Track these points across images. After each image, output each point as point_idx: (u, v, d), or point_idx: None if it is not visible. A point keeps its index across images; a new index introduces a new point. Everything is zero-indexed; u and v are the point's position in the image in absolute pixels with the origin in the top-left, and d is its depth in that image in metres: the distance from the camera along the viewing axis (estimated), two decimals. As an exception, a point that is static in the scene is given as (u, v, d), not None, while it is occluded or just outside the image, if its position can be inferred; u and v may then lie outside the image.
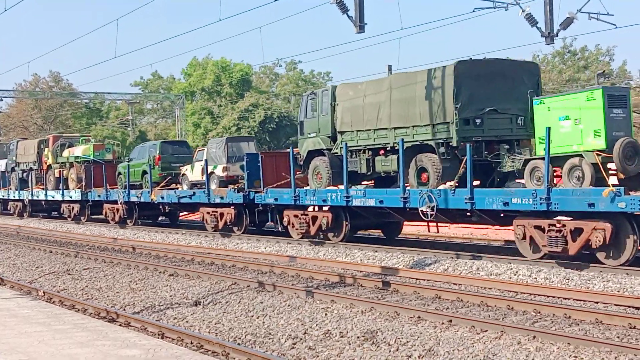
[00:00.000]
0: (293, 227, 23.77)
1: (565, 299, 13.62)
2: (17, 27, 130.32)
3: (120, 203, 32.34)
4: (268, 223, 26.71)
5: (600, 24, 21.16)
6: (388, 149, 21.11)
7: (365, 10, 21.05)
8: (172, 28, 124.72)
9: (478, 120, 18.92)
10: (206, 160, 27.57)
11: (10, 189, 45.27)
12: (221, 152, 27.88)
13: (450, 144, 19.01)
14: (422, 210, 18.93)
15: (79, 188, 36.06)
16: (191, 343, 11.09)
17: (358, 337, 11.15)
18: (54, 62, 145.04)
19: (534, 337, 10.62)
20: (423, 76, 19.70)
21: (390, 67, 44.00)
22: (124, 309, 14.60)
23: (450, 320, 11.87)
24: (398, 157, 19.89)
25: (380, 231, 24.79)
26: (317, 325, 12.18)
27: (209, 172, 27.40)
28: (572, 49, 67.37)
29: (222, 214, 26.95)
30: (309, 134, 23.76)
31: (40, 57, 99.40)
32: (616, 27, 21.20)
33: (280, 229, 25.30)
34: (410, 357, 10.01)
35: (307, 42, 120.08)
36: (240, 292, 15.53)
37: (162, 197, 29.93)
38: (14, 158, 44.60)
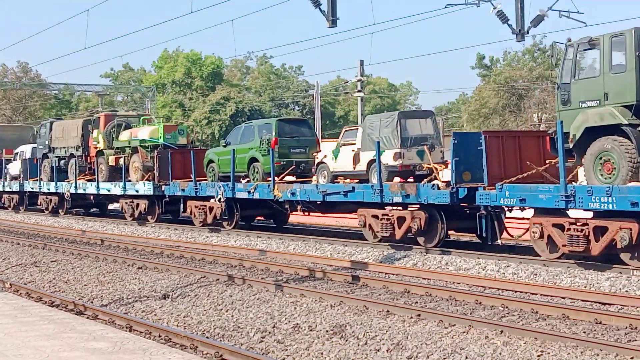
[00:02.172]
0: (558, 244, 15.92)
1: (532, 294, 13.72)
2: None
3: (218, 200, 24.82)
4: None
5: (570, 22, 21.36)
6: None
7: (337, 4, 21.11)
8: (143, 19, 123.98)
9: None
10: (378, 143, 19.53)
11: (42, 179, 37.05)
12: (391, 133, 20.16)
13: None
14: None
15: (149, 179, 28.76)
16: (159, 336, 11.03)
17: (327, 331, 11.16)
18: (22, 52, 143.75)
19: (502, 331, 10.70)
20: None
21: (362, 62, 44.17)
22: (92, 302, 14.49)
23: (419, 315, 11.93)
24: None
25: None
26: (286, 319, 12.17)
27: (368, 160, 20.50)
28: (542, 47, 67.84)
29: (400, 219, 19.10)
30: (583, 102, 15.77)
31: (9, 47, 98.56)
32: (586, 25, 21.39)
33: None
34: (378, 350, 10.04)
35: (279, 35, 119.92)
36: (210, 285, 15.49)
37: (294, 194, 22.25)
38: (47, 142, 36.65)
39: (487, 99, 64.31)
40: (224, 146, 25.69)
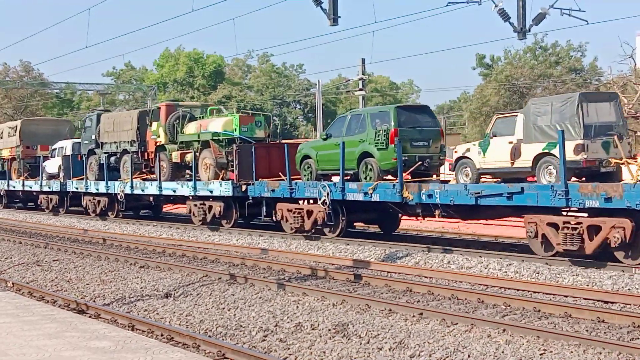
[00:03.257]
0: None
1: (535, 292, 13.72)
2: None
3: (322, 202, 20.75)
4: None
5: (572, 20, 21.36)
6: None
7: (338, 3, 21.11)
8: (144, 18, 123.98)
9: None
10: (562, 132, 15.61)
11: (87, 178, 32.78)
12: (569, 119, 16.24)
13: None
14: None
15: (226, 179, 25.23)
16: (161, 335, 11.04)
17: (329, 330, 11.16)
18: (24, 51, 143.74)
19: (504, 330, 10.69)
20: None
21: (363, 61, 44.09)
22: (94, 301, 14.50)
23: (421, 313, 11.92)
24: None
25: None
26: (288, 317, 12.17)
27: (535, 154, 16.86)
28: (544, 45, 67.83)
29: (593, 229, 15.35)
30: None
31: (10, 46, 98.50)
32: (588, 24, 21.40)
33: None
34: (381, 349, 10.04)
35: (280, 34, 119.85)
36: (212, 284, 15.49)
37: (431, 196, 18.41)
38: (94, 137, 32.70)
39: (488, 97, 64.31)
40: (324, 139, 21.92)
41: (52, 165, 36.67)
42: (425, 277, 15.77)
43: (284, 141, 28.20)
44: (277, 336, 11.04)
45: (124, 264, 19.04)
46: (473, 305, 12.75)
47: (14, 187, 40.27)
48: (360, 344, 10.36)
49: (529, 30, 21.11)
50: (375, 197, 19.61)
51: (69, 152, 35.69)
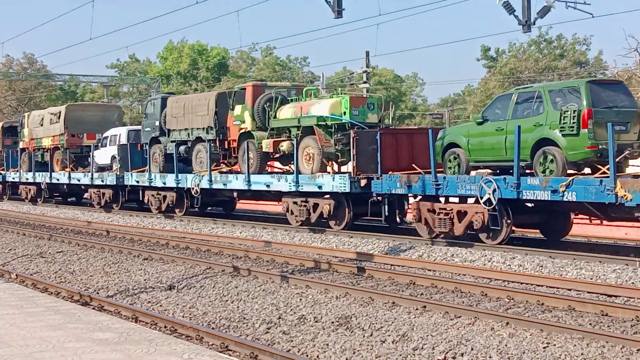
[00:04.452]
0: None
1: (538, 286, 13.71)
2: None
3: (484, 202, 17.01)
4: None
5: (577, 13, 21.33)
6: None
7: (343, -5, 21.08)
8: (148, 10, 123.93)
9: None
10: None
11: (151, 171, 28.85)
12: None
13: None
14: None
15: (333, 172, 21.80)
16: (165, 327, 11.05)
17: (332, 323, 11.16)
18: (28, 43, 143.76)
19: (507, 323, 10.69)
20: None
21: (368, 54, 44.03)
22: (98, 293, 14.52)
23: (425, 306, 11.92)
24: None
25: None
26: (291, 310, 12.17)
27: None
28: (548, 38, 67.71)
29: None
30: None
31: (14, 38, 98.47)
32: (593, 17, 21.38)
33: None
34: (384, 342, 10.04)
35: (284, 26, 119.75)
36: (215, 276, 15.50)
37: None
38: (158, 123, 28.69)
39: (492, 90, 64.25)
40: (479, 123, 17.90)
41: (102, 155, 32.98)
42: (429, 270, 15.76)
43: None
44: (281, 328, 11.04)
45: (127, 256, 19.06)
46: (476, 299, 12.74)
47: (58, 179, 35.86)
48: (364, 336, 10.36)
49: (534, 23, 21.11)
50: (570, 197, 15.57)
51: (123, 140, 31.94)
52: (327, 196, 21.47)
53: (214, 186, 25.57)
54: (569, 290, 13.19)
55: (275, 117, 23.45)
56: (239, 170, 25.07)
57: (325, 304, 12.49)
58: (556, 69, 63.40)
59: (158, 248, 20.68)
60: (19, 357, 8.39)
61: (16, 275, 16.30)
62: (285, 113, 23.19)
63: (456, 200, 18.68)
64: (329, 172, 21.50)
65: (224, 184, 25.24)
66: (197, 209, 28.47)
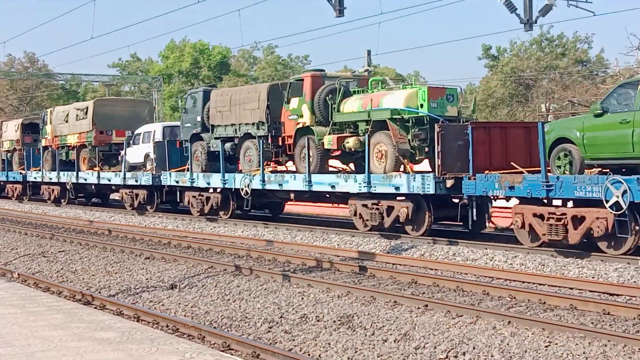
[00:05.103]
0: None
1: (540, 284, 13.70)
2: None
3: (613, 206, 14.81)
4: None
5: (578, 11, 21.31)
6: None
7: (345, -6, 21.07)
8: (150, 9, 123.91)
9: None
10: None
11: (192, 170, 26.65)
12: None
13: None
14: None
15: (408, 171, 19.50)
16: (167, 326, 11.05)
17: (334, 322, 11.16)
18: (29, 42, 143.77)
19: (509, 322, 10.69)
20: None
21: (369, 52, 44.01)
22: (100, 292, 14.53)
23: (426, 305, 11.92)
24: None
25: None
26: (293, 309, 12.18)
27: None
28: (550, 36, 67.63)
29: None
30: None
31: (16, 37, 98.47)
32: (594, 15, 21.36)
33: None
34: (386, 341, 10.04)
35: (286, 25, 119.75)
36: (217, 275, 15.50)
37: None
38: (200, 119, 26.65)
39: (494, 89, 64.19)
40: (597, 115, 15.66)
41: (134, 153, 30.82)
42: (431, 269, 15.76)
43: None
44: (282, 327, 11.05)
45: (129, 255, 19.07)
46: (478, 297, 12.74)
47: (86, 179, 33.78)
48: (365, 335, 10.36)
49: (536, 22, 21.09)
50: None
51: (158, 137, 29.76)
52: (403, 198, 19.39)
53: (268, 187, 23.32)
54: (571, 289, 13.18)
55: (339, 110, 21.35)
56: (296, 169, 22.98)
57: (327, 303, 12.49)
58: (557, 67, 63.35)
59: (160, 247, 20.69)
60: (21, 357, 8.39)
61: (18, 274, 16.31)
62: (351, 106, 21.02)
63: (557, 202, 16.83)
64: (404, 172, 19.39)
65: (280, 185, 22.97)
66: (246, 210, 25.99)
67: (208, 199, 26.35)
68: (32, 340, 9.19)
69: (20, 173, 39.82)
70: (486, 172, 17.64)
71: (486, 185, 17.35)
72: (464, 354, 9.32)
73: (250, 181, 23.71)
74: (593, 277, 13.89)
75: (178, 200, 28.44)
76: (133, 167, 30.90)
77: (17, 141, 40.83)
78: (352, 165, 22.61)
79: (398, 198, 19.56)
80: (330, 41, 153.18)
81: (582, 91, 48.92)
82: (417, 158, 19.85)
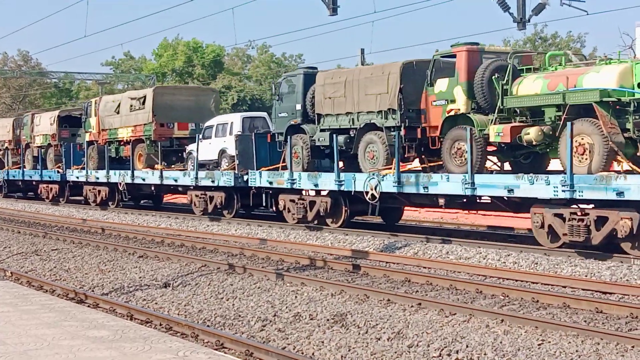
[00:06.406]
0: None
1: (533, 283, 13.72)
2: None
3: None
4: None
5: (572, 10, 21.34)
6: None
7: (338, -8, 21.09)
8: (144, 7, 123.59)
9: None
10: None
11: (291, 169, 22.16)
12: None
13: None
14: None
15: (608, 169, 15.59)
16: (160, 324, 11.05)
17: (328, 320, 11.17)
18: (22, 40, 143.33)
19: (502, 320, 10.70)
20: None
21: (363, 51, 43.95)
22: (93, 290, 14.51)
23: (420, 304, 11.93)
24: None
25: None
26: (287, 307, 12.17)
27: None
28: (543, 35, 67.73)
29: None
30: None
31: (9, 35, 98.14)
32: (587, 14, 21.39)
33: None
34: (379, 339, 10.04)
35: (280, 24, 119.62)
36: (210, 274, 15.49)
37: None
38: (301, 107, 22.44)
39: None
40: None
41: (206, 149, 26.19)
42: (424, 267, 15.77)
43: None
44: (276, 326, 11.05)
45: (122, 254, 19.04)
46: (471, 296, 12.75)
47: (144, 179, 29.14)
48: (359, 334, 10.37)
49: (529, 21, 21.12)
50: None
51: (237, 129, 25.35)
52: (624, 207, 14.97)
53: (406, 190, 18.95)
54: (564, 287, 13.20)
55: (511, 93, 17.00)
56: (446, 168, 18.46)
57: (321, 302, 12.49)
58: (551, 66, 63.41)
59: (153, 246, 20.66)
60: (14, 355, 8.38)
61: (11, 273, 16.28)
62: (531, 87, 16.66)
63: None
64: (628, 172, 15.42)
65: (425, 187, 18.48)
66: (371, 217, 22.43)
67: (313, 203, 21.97)
68: (25, 338, 9.17)
69: (58, 172, 35.13)
70: None
71: None
72: (457, 352, 9.33)
73: (379, 182, 19.46)
74: (586, 276, 13.91)
75: (264, 204, 24.11)
76: (201, 166, 26.32)
77: (53, 136, 35.95)
78: (506, 165, 18.85)
79: (613, 207, 15.17)
80: (324, 40, 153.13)
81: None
82: (638, 154, 15.80)
